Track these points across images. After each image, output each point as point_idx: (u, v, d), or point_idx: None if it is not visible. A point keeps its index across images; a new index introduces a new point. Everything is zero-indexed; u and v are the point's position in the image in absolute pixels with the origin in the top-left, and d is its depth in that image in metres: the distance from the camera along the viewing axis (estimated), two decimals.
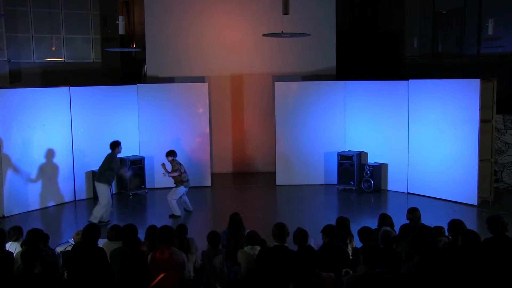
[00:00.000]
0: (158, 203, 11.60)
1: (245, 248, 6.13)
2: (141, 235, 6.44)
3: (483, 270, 4.74)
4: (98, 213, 9.66)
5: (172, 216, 10.12)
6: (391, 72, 14.82)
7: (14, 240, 6.50)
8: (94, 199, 11.41)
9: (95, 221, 9.30)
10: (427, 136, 11.19)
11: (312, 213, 10.46)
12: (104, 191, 9.72)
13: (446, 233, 6.28)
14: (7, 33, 14.17)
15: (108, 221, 9.77)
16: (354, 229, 6.59)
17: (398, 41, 16.04)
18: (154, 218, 10.20)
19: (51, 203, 10.98)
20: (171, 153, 10.17)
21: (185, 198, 10.42)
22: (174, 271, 5.40)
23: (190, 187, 12.32)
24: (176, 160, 10.18)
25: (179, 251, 5.69)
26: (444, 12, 14.78)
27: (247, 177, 13.53)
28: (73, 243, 6.74)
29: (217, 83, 13.63)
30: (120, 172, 10.25)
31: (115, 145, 9.82)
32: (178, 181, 10.15)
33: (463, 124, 10.54)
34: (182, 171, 10.16)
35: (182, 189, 10.19)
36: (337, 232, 6.14)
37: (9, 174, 10.24)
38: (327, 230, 5.98)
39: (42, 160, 10.79)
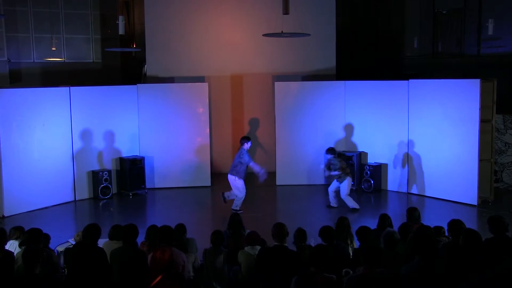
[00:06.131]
0: (158, 203, 11.61)
1: (246, 248, 6.14)
2: (141, 235, 6.44)
3: (484, 270, 4.74)
4: (238, 201, 10.26)
5: (354, 210, 10.31)
6: (391, 72, 14.82)
7: (15, 239, 6.53)
8: (94, 198, 11.45)
9: (237, 208, 10.23)
10: (427, 136, 11.19)
11: (312, 213, 10.46)
12: (236, 184, 10.13)
13: (446, 233, 6.29)
14: (7, 33, 14.17)
15: (240, 210, 10.20)
16: (355, 229, 6.60)
17: (398, 41, 16.05)
18: (154, 218, 10.21)
19: (51, 203, 10.98)
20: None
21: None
22: (174, 271, 5.40)
23: (190, 187, 12.39)
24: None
25: (179, 251, 5.69)
26: (444, 12, 14.78)
27: (247, 177, 13.50)
28: (73, 243, 6.74)
29: (217, 83, 13.63)
30: (249, 165, 10.24)
31: (243, 140, 10.22)
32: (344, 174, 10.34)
33: (463, 124, 10.54)
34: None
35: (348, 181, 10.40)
36: (334, 234, 6.16)
37: (9, 174, 10.23)
38: (322, 233, 6.04)
39: (42, 160, 10.77)
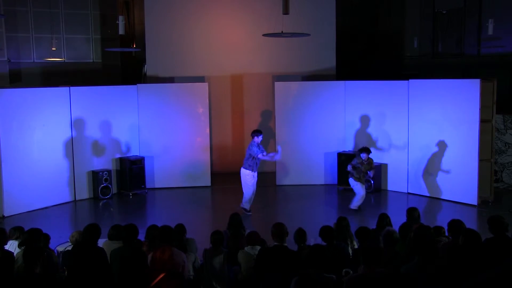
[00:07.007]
0: (158, 203, 11.61)
1: (246, 248, 6.14)
2: (141, 235, 6.44)
3: (484, 270, 4.74)
4: (245, 199, 10.06)
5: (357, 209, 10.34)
6: (391, 72, 14.83)
7: (15, 239, 6.53)
8: (93, 198, 11.45)
9: (245, 206, 10.01)
10: (427, 136, 11.19)
11: (312, 213, 10.46)
12: (246, 179, 9.90)
13: (446, 233, 6.29)
14: (7, 33, 14.16)
15: (249, 211, 10.07)
16: (354, 229, 6.60)
17: (398, 41, 16.05)
18: (154, 218, 10.21)
19: (51, 203, 10.98)
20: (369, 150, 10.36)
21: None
22: (175, 271, 5.40)
23: (190, 187, 12.39)
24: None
25: (179, 251, 5.69)
26: (444, 12, 14.79)
27: None
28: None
29: (217, 83, 13.63)
30: (256, 157, 9.87)
31: (253, 134, 9.96)
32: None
33: (463, 124, 10.55)
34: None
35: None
36: (334, 234, 6.16)
37: (9, 174, 10.23)
38: (322, 233, 6.04)
39: (42, 160, 10.77)
